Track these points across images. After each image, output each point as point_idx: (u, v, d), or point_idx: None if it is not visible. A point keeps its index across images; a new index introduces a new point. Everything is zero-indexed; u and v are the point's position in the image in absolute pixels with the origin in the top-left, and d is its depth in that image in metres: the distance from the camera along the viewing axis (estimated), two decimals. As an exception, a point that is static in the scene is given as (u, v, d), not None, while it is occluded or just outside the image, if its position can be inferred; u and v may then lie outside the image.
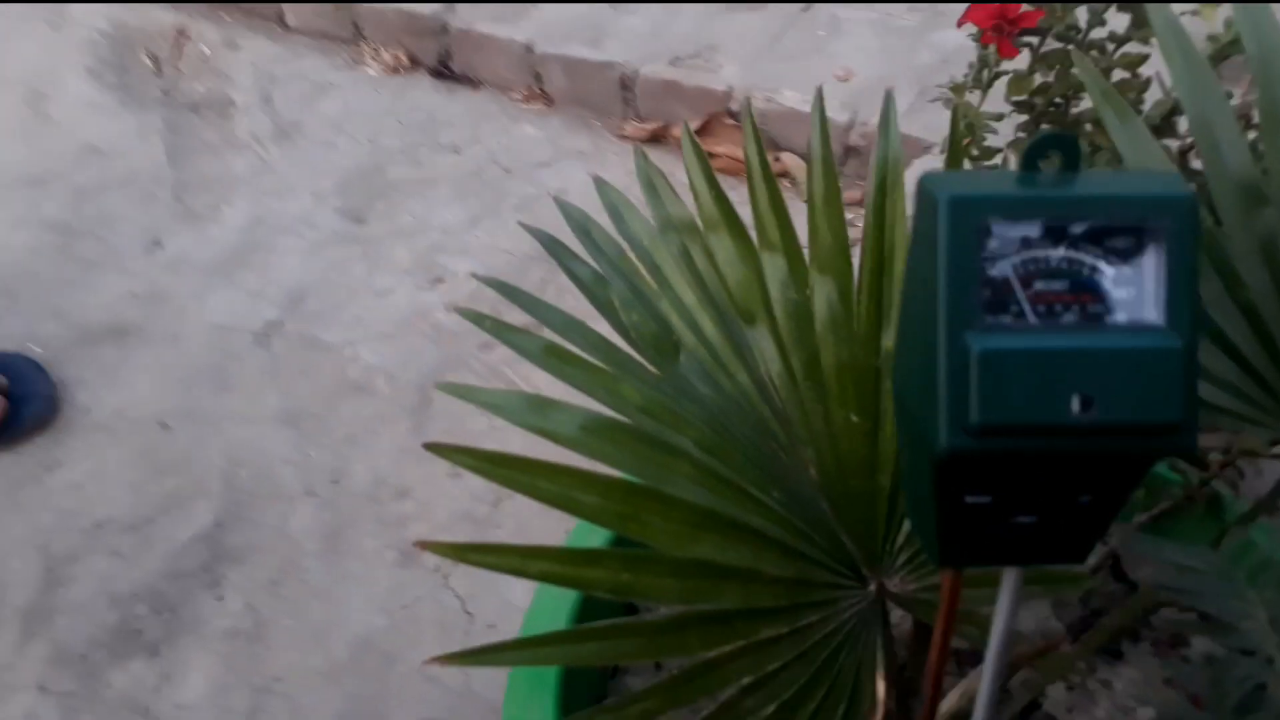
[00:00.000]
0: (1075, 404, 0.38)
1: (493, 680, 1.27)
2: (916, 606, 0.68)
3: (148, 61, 2.34)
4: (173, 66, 2.33)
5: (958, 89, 1.05)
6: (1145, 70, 0.93)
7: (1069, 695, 0.72)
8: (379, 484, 1.51)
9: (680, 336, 0.68)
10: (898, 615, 0.76)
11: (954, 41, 2.16)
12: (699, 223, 0.70)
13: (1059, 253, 0.39)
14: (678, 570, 0.61)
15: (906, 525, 0.66)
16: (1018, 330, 0.40)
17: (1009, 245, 0.39)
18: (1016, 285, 0.40)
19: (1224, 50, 0.83)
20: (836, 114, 2.01)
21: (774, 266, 0.68)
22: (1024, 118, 1.01)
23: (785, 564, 0.64)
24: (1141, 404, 0.38)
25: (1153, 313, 0.40)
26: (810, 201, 0.66)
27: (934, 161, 1.89)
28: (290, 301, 1.79)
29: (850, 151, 2.03)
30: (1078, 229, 0.40)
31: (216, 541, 1.43)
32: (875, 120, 1.96)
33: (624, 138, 2.18)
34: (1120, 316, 0.40)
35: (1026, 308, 0.40)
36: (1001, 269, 0.39)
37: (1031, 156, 0.42)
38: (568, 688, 0.70)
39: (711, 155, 2.13)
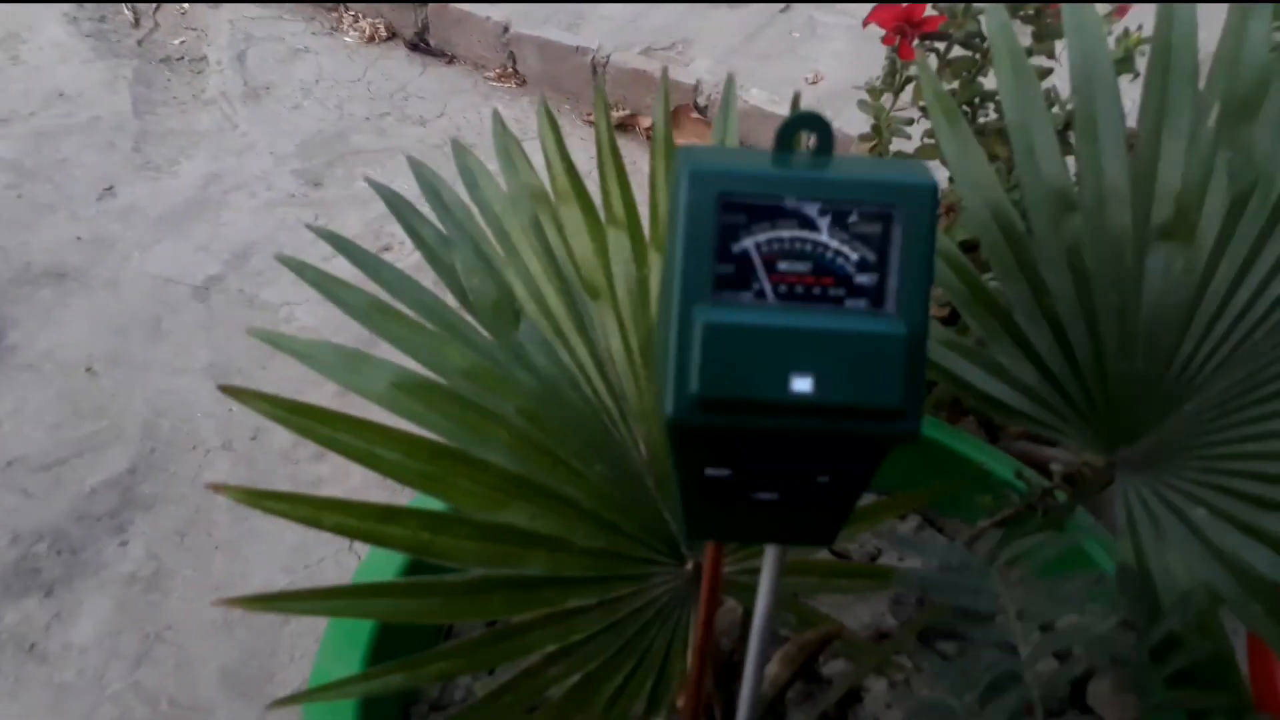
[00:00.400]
0: (796, 383, 0.38)
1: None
2: (734, 589, 0.68)
3: (127, 13, 2.34)
4: (151, 19, 2.33)
5: (873, 91, 1.05)
6: (1048, 83, 0.93)
7: (890, 691, 0.72)
8: (298, 444, 1.51)
9: (522, 305, 0.69)
10: (731, 603, 0.76)
11: (930, 54, 2.17)
12: (551, 194, 0.70)
13: (801, 233, 0.39)
14: (482, 533, 0.61)
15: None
16: (746, 306, 0.40)
17: (752, 222, 0.39)
18: (757, 263, 0.39)
19: (1121, 64, 0.83)
20: (801, 116, 2.01)
21: (618, 242, 0.68)
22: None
23: (598, 536, 0.64)
24: (862, 387, 0.38)
25: (885, 299, 0.40)
26: (652, 181, 0.67)
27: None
28: (235, 258, 1.79)
29: (812, 154, 2.03)
30: (821, 211, 0.40)
31: (128, 488, 1.44)
32: (836, 124, 1.98)
33: (591, 123, 2.18)
34: (856, 301, 0.40)
35: (766, 286, 0.40)
36: (743, 246, 0.39)
37: (784, 136, 0.42)
38: (389, 643, 0.70)
39: (675, 147, 2.13)
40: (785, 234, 0.39)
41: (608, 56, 2.16)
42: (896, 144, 1.08)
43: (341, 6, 2.36)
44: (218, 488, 0.55)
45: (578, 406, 0.67)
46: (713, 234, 0.39)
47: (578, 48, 2.17)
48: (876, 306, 0.40)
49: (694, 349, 0.38)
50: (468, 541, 0.60)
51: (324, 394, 1.57)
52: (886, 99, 1.04)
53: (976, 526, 0.79)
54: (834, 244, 0.39)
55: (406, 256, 1.80)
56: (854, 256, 0.40)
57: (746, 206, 0.39)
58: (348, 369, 0.61)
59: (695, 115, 2.12)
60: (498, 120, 0.72)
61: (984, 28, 0.93)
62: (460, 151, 0.71)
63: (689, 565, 0.67)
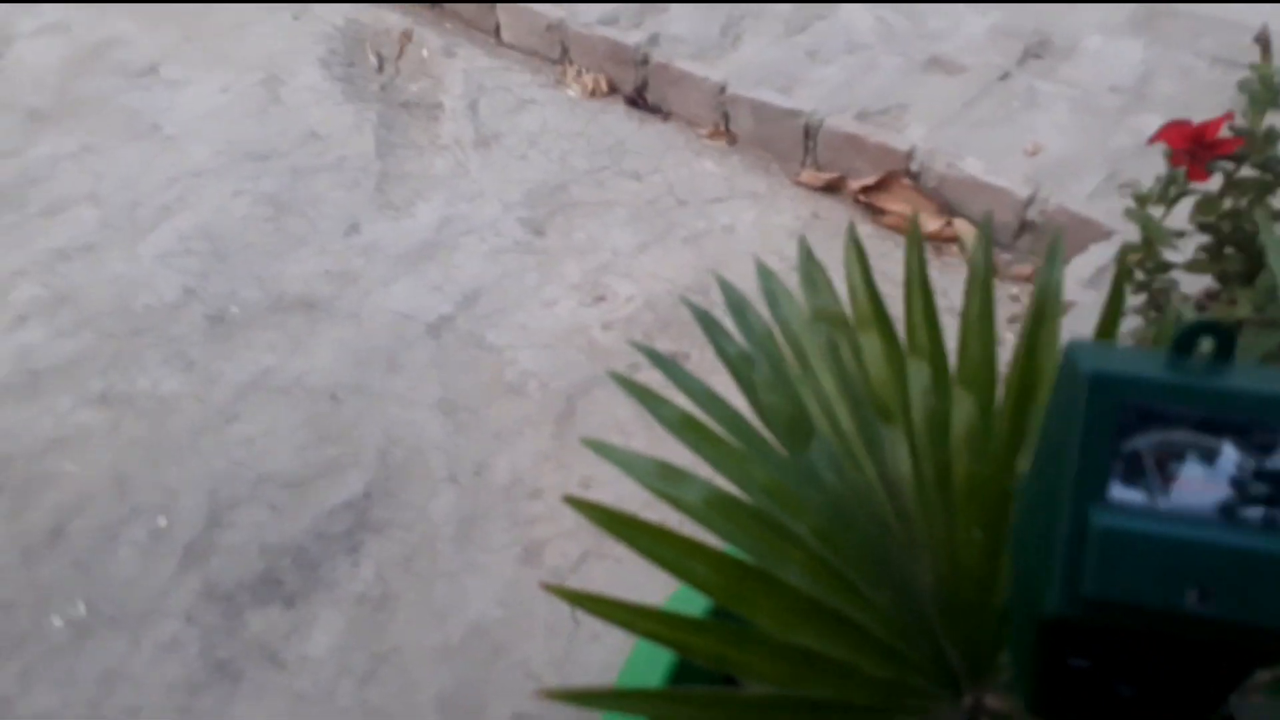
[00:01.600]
0: (1189, 595, 0.38)
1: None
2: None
3: (373, 59, 2.53)
4: (394, 66, 2.51)
5: (1141, 199, 1.03)
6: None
7: None
8: (516, 482, 1.60)
9: (816, 423, 0.71)
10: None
11: (1154, 127, 2.08)
12: (850, 318, 0.73)
13: (1196, 440, 0.40)
14: (777, 653, 0.64)
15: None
16: (1143, 511, 0.40)
17: (1147, 427, 0.40)
18: (1150, 466, 0.40)
19: None
20: (1018, 187, 1.97)
21: (918, 371, 0.70)
22: (1207, 239, 0.99)
23: (884, 664, 0.66)
24: (1260, 606, 0.38)
25: None
26: (964, 318, 0.68)
27: (1107, 250, 1.82)
28: (465, 300, 1.91)
29: (1026, 226, 1.98)
30: (1220, 424, 0.40)
31: (363, 511, 1.55)
32: (1056, 199, 1.93)
33: (799, 184, 2.21)
34: (1253, 512, 0.40)
35: (1157, 490, 0.40)
36: (1136, 447, 0.40)
37: (1184, 341, 0.42)
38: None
39: (883, 212, 2.13)
40: (1182, 440, 0.40)
41: (821, 121, 2.18)
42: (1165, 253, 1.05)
43: (565, 61, 2.48)
44: (550, 588, 0.60)
45: (866, 529, 0.69)
46: (1111, 436, 0.40)
47: (792, 111, 2.20)
48: (1275, 522, 0.40)
49: (1088, 551, 0.39)
50: (765, 660, 0.63)
51: (542, 435, 1.66)
52: (1157, 210, 1.02)
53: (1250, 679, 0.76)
54: (1233, 455, 0.39)
55: (620, 308, 1.87)
56: (1252, 470, 0.40)
57: (1146, 413, 0.40)
58: (665, 481, 0.65)
59: (907, 182, 2.11)
60: (804, 247, 0.75)
61: (1283, 155, 0.90)
62: (765, 274, 0.75)
63: (967, 700, 0.67)
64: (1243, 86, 0.88)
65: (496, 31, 2.57)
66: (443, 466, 1.62)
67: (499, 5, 2.52)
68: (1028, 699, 0.48)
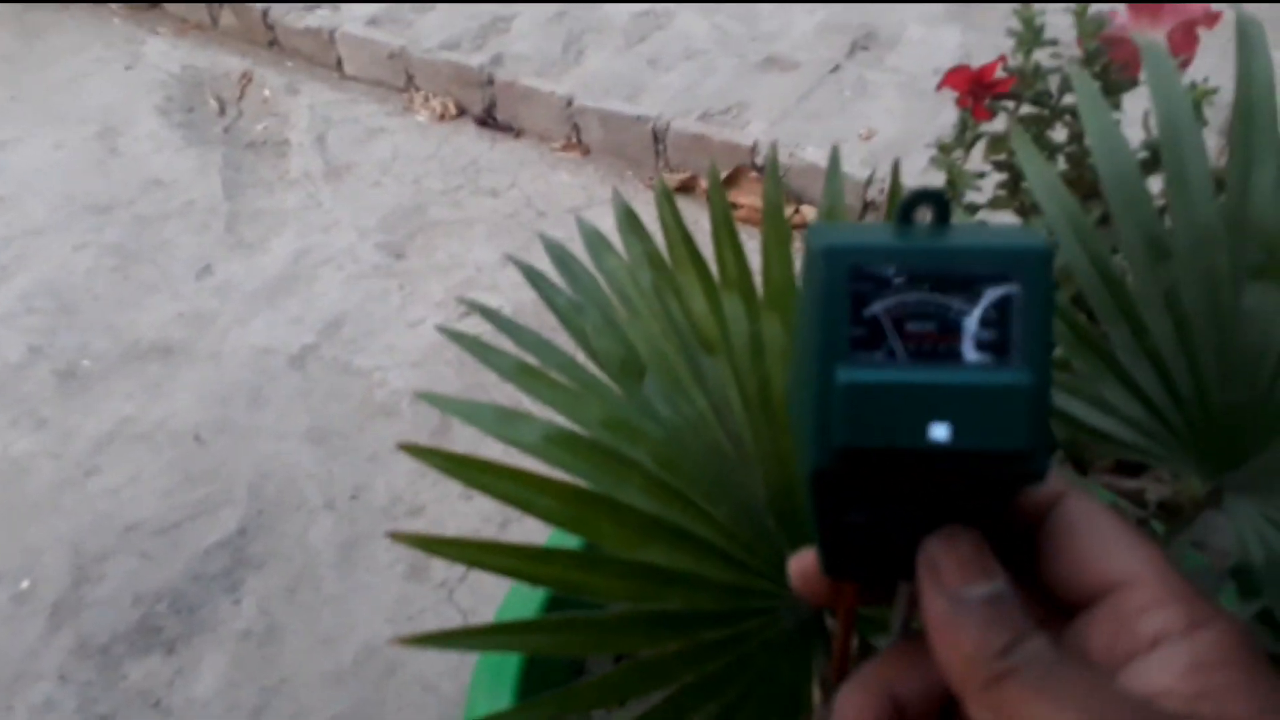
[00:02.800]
0: (932, 431, 0.42)
1: (486, 694, 1.33)
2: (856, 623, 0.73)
3: (213, 102, 2.49)
4: (235, 108, 2.48)
5: (944, 148, 1.11)
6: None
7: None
8: (395, 501, 1.59)
9: (646, 362, 0.75)
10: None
11: (979, 106, 2.24)
12: (669, 262, 0.77)
13: (925, 297, 0.44)
14: (626, 572, 0.66)
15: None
16: (883, 365, 0.44)
17: (880, 289, 0.44)
18: (887, 325, 0.44)
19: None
20: (857, 170, 2.08)
21: (732, 302, 0.75)
22: (1003, 176, 1.07)
23: (728, 572, 0.69)
24: (993, 433, 0.42)
25: (1010, 352, 0.45)
26: (764, 245, 0.73)
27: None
28: (327, 328, 1.89)
29: (869, 206, 2.09)
30: (943, 276, 0.44)
31: (239, 548, 1.52)
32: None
33: (654, 187, 2.27)
34: (981, 355, 0.44)
35: (896, 345, 0.44)
36: (873, 310, 0.44)
37: (905, 210, 0.47)
38: (530, 681, 0.75)
39: (735, 206, 2.21)
40: (912, 298, 0.44)
41: (668, 124, 2.25)
42: (970, 195, 1.13)
43: (412, 88, 2.49)
44: (398, 536, 0.61)
45: (702, 452, 0.73)
46: (846, 303, 0.44)
47: (639, 117, 2.27)
48: (1001, 360, 0.44)
49: (835, 405, 0.43)
50: (614, 580, 0.66)
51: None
52: (958, 156, 1.10)
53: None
54: (958, 305, 0.44)
55: (484, 322, 1.88)
56: (978, 315, 0.45)
57: (876, 277, 0.44)
58: (504, 424, 0.67)
59: (754, 175, 2.20)
60: (619, 201, 0.79)
61: (1052, 87, 0.99)
62: (587, 230, 0.78)
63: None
64: (1010, 30, 0.97)
65: (339, 65, 2.57)
66: (318, 494, 1.60)
67: (338, 39, 2.52)
68: (822, 563, 0.52)
